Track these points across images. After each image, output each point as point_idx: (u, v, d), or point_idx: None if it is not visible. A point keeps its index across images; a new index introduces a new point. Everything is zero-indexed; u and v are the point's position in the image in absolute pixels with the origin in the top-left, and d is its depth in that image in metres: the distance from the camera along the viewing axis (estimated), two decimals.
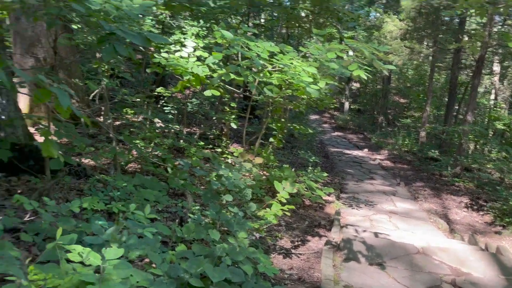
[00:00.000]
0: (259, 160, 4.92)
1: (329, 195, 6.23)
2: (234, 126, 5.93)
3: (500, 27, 12.32)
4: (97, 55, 6.02)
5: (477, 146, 12.50)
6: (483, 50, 9.40)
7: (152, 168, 5.03)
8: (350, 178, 9.00)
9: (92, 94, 6.35)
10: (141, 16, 3.31)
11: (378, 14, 18.33)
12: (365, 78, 4.13)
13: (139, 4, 3.26)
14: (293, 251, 3.63)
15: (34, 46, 5.59)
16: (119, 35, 2.90)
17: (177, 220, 3.44)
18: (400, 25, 11.85)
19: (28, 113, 5.76)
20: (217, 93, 4.90)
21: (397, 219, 5.74)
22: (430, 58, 13.56)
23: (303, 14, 11.24)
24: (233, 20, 9.34)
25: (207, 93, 4.90)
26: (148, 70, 5.35)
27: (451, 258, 3.64)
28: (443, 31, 11.77)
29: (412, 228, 5.28)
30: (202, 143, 6.29)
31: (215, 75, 4.75)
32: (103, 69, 5.53)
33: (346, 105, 21.40)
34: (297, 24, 10.48)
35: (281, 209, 3.09)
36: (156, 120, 8.23)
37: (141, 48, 5.67)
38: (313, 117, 21.96)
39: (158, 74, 6.88)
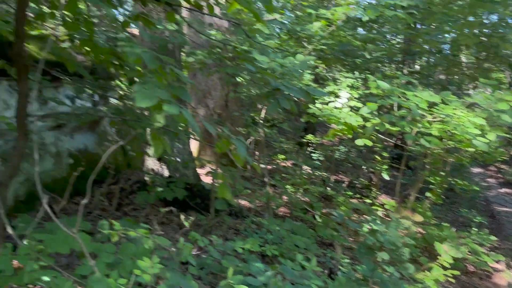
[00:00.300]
0: (418, 217, 4.60)
1: (497, 262, 5.39)
2: (386, 177, 5.71)
3: None
4: (258, 105, 6.60)
5: None
6: None
7: (301, 214, 5.15)
8: None
9: (249, 140, 6.93)
10: (301, 71, 3.55)
11: None
12: None
13: (300, 61, 3.52)
14: None
15: (206, 98, 6.45)
16: (283, 90, 3.16)
17: (326, 271, 3.42)
18: None
19: (196, 156, 6.57)
20: (369, 143, 4.84)
21: None
22: None
23: (464, 59, 10.48)
24: (386, 68, 9.23)
25: (359, 142, 4.87)
26: (302, 120, 5.62)
27: None
28: None
29: None
30: (350, 192, 6.20)
31: (368, 124, 4.72)
32: (262, 118, 6.02)
33: None
34: (457, 70, 9.80)
35: (444, 274, 2.80)
36: (304, 166, 8.47)
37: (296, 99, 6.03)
38: (475, 170, 19.61)
39: (308, 122, 7.16)
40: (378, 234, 2.63)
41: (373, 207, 5.85)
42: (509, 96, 4.48)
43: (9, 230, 1.70)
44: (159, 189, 3.97)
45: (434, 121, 4.32)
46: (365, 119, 4.77)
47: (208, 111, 6.31)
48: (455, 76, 10.54)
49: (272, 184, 5.82)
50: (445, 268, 2.91)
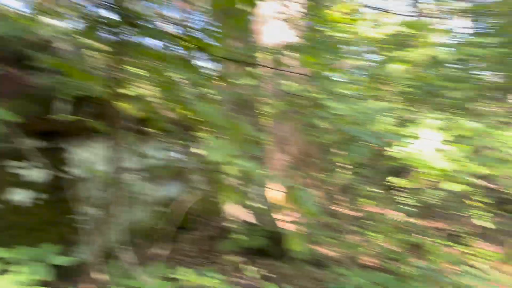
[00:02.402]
0: (506, 266, 4.06)
1: None
2: (485, 224, 5.16)
3: None
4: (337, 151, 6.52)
5: None
6: None
7: (388, 265, 4.82)
8: None
9: (334, 186, 6.79)
10: (377, 117, 3.50)
11: None
12: None
13: (374, 109, 3.48)
14: None
15: (284, 144, 6.52)
16: (358, 136, 3.13)
17: None
18: None
19: (281, 203, 6.59)
20: (465, 187, 4.49)
21: None
22: None
23: None
24: (479, 107, 8.58)
25: (452, 186, 4.54)
26: (384, 162, 5.42)
27: None
28: None
29: None
30: (443, 240, 5.69)
31: (462, 168, 4.39)
32: (343, 162, 5.93)
33: None
34: None
35: None
36: (393, 212, 8.02)
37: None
38: None
39: (397, 164, 6.83)
40: None
41: (469, 257, 5.29)
42: None
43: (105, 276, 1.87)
44: (241, 236, 4.05)
45: None
46: (457, 162, 4.45)
47: (286, 156, 6.37)
48: None
49: (358, 231, 5.59)
50: None
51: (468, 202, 5.97)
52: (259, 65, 3.34)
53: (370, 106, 3.55)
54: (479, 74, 6.51)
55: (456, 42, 4.63)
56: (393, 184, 7.52)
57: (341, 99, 3.45)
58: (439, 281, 3.43)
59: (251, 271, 3.83)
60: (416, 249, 5.86)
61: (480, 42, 4.43)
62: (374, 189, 7.22)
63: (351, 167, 6.28)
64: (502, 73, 6.78)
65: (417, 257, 5.19)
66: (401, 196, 7.38)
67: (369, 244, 5.28)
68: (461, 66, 5.67)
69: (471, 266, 5.19)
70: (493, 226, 6.64)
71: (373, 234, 5.65)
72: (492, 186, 5.28)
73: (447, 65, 5.23)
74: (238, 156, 1.77)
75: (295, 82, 5.00)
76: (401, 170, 9.80)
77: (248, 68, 3.37)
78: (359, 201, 7.25)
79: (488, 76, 7.79)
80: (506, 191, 5.19)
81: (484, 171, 4.28)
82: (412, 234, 6.05)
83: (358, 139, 3.22)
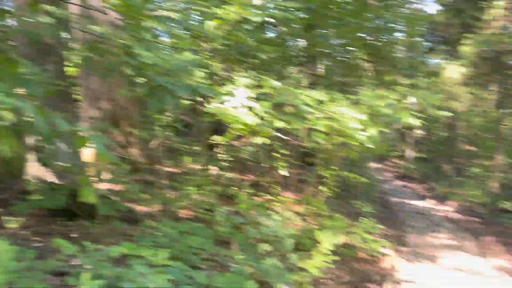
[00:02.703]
0: (300, 208, 4.80)
1: (386, 248, 5.87)
2: (284, 173, 5.89)
3: None
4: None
5: None
6: None
7: (203, 216, 5.08)
8: (411, 230, 8.45)
9: (152, 143, 6.69)
10: (189, 68, 3.49)
11: (438, 61, 17.88)
12: (416, 125, 3.98)
13: (188, 59, 3.47)
14: None
15: (99, 99, 6.08)
16: (168, 87, 3.07)
17: (220, 269, 3.39)
18: (461, 71, 11.43)
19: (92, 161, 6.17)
20: (267, 141, 4.96)
21: (463, 277, 5.23)
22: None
23: (362, 63, 11.26)
24: (286, 70, 9.58)
25: (258, 140, 4.98)
26: (200, 120, 5.58)
27: None
28: (508, 75, 11.15)
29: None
30: (252, 190, 6.29)
31: (265, 123, 4.83)
32: (159, 118, 5.85)
33: (410, 153, 20.53)
34: (353, 73, 10.51)
35: (324, 261, 2.93)
36: (212, 167, 8.42)
37: (197, 98, 5.97)
38: (375, 165, 21.29)
39: (216, 123, 7.14)
40: (262, 227, 2.66)
41: (275, 204, 6.00)
42: (388, 93, 4.90)
43: None
44: (40, 197, 3.64)
45: (322, 118, 4.54)
46: (262, 119, 4.87)
47: (101, 113, 5.95)
48: (354, 79, 11.31)
49: (173, 187, 5.68)
50: (326, 256, 3.06)
51: (274, 155, 6.70)
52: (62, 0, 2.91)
53: (183, 59, 3.51)
54: (286, 39, 7.25)
55: (266, 4, 4.96)
56: (212, 141, 7.87)
57: (152, 48, 3.31)
58: (238, 222, 3.77)
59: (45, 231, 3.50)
60: (229, 199, 6.34)
61: (287, 7, 4.84)
62: (193, 146, 7.42)
63: (170, 123, 6.25)
64: (305, 40, 7.66)
65: (228, 206, 5.62)
66: (218, 153, 7.79)
67: (185, 198, 5.44)
68: (271, 29, 6.18)
69: (273, 210, 5.89)
70: (292, 175, 7.68)
71: (190, 188, 5.84)
72: (292, 140, 6.02)
73: (258, 26, 5.62)
74: (12, 96, 1.50)
75: (105, 26, 4.59)
76: (220, 127, 10.30)
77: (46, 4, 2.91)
78: (179, 158, 7.36)
79: (294, 41, 8.70)
80: (305, 144, 5.97)
81: (286, 126, 4.79)
82: (226, 186, 6.51)
83: (169, 91, 3.16)
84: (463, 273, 5.47)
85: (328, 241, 3.08)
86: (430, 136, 21.17)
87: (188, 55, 3.46)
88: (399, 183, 17.05)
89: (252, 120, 4.77)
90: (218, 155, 7.83)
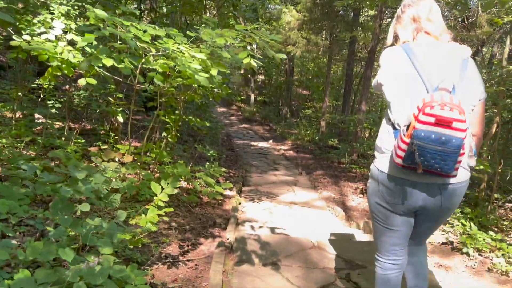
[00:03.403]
0: (128, 158, 4.41)
1: (230, 189, 5.96)
2: (120, 119, 5.31)
3: (389, 19, 13.12)
4: None
5: (371, 133, 13.27)
6: (374, 42, 9.86)
7: (16, 173, 4.25)
8: (254, 170, 8.86)
9: None
10: None
11: (277, 6, 18.55)
12: (255, 65, 3.87)
13: None
14: (181, 258, 3.23)
15: None
16: None
17: (36, 236, 2.84)
18: (298, 16, 12.00)
19: None
20: (93, 82, 4.28)
21: (297, 210, 5.67)
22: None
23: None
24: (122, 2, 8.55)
25: (82, 82, 4.25)
26: (8, 57, 4.52)
27: (346, 250, 3.54)
28: (338, 22, 12.19)
29: (310, 219, 5.23)
30: (82, 140, 5.57)
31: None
32: None
33: (252, 97, 21.47)
34: (194, 12, 9.99)
35: (158, 215, 2.67)
36: (37, 115, 7.22)
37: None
38: (220, 109, 21.73)
39: (41, 64, 5.95)
40: (80, 183, 2.21)
41: (111, 153, 5.43)
42: (228, 32, 4.66)
43: None
44: None
45: (159, 56, 4.09)
46: (85, 54, 4.13)
47: None
48: (194, 18, 10.84)
49: None
50: (161, 208, 2.80)
51: (109, 99, 5.99)
52: None
53: None
54: None
55: None
56: (36, 85, 6.65)
57: None
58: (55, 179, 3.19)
59: None
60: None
61: None
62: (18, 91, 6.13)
63: None
64: None
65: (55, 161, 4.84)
66: (47, 98, 6.68)
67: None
68: None
69: (109, 161, 5.33)
70: (133, 122, 7.07)
71: (3, 140, 4.85)
72: (129, 82, 5.39)
73: None
74: None
75: None
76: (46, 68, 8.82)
77: None
78: None
79: None
80: (144, 87, 5.44)
81: (117, 65, 4.18)
82: (52, 137, 5.62)
83: None
84: (298, 206, 5.94)
85: (165, 191, 2.79)
86: (271, 81, 22.45)
87: None
88: (244, 125, 17.79)
89: (74, 57, 4.02)
90: (47, 101, 6.72)
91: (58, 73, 4.49)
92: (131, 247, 2.60)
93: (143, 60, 4.13)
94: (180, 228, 3.95)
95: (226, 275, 2.90)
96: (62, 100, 7.27)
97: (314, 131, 14.39)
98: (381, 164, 2.00)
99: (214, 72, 4.36)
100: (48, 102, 6.89)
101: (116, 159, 4.78)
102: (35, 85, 6.58)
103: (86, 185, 2.20)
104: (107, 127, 7.15)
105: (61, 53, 4.11)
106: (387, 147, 1.98)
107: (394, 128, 1.95)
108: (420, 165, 1.73)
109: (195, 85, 4.62)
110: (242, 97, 23.73)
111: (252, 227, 4.14)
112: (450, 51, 1.97)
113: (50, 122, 6.59)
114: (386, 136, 2.00)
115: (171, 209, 2.86)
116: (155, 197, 2.79)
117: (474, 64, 1.99)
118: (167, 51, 4.01)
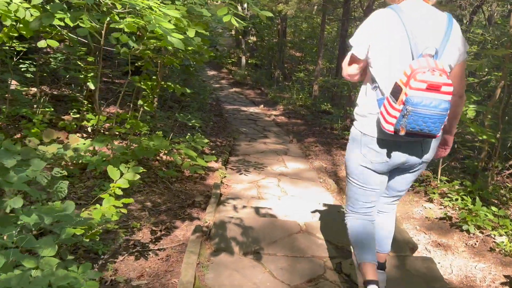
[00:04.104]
0: (74, 140, 3.95)
1: (216, 161, 5.56)
2: (91, 86, 4.81)
3: None
4: None
5: None
6: (370, 0, 9.23)
7: None
8: (243, 138, 8.46)
9: None
10: None
11: None
12: (237, 25, 3.36)
13: None
14: (151, 246, 2.86)
15: None
16: None
17: None
18: None
19: None
20: (56, 44, 3.77)
21: (286, 183, 5.32)
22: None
23: None
24: None
25: (41, 44, 3.73)
26: None
27: (337, 234, 3.19)
28: None
29: (300, 193, 4.89)
30: (51, 108, 5.07)
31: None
32: None
33: (243, 60, 20.68)
34: None
35: (115, 205, 2.26)
36: (13, 82, 6.65)
37: None
38: (211, 72, 20.97)
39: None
40: (11, 173, 1.79)
41: (53, 133, 4.94)
42: None
43: None
44: None
45: (124, 14, 3.55)
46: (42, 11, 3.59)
47: None
48: None
49: None
50: (118, 198, 2.39)
51: (80, 64, 5.44)
52: None
53: None
54: None
55: None
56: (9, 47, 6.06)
57: None
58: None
59: None
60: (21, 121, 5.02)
61: None
62: None
63: None
64: None
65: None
66: (21, 62, 6.15)
67: None
68: None
69: (81, 132, 4.88)
70: (107, 89, 6.53)
71: None
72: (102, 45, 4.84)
73: None
74: None
75: None
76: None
77: None
78: None
79: None
80: (116, 50, 4.91)
81: (77, 23, 3.65)
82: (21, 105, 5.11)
83: None
84: (288, 178, 5.59)
85: (124, 176, 2.38)
86: (263, 42, 21.59)
87: None
88: (235, 89, 17.19)
89: (30, 15, 3.48)
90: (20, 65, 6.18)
91: (15, 34, 3.97)
92: (87, 240, 2.21)
93: (108, 18, 3.60)
94: (155, 208, 3.57)
95: (200, 269, 2.54)
96: (38, 63, 6.70)
97: (307, 95, 13.88)
98: (363, 126, 2.06)
99: (191, 33, 3.84)
100: (21, 66, 6.34)
101: (64, 139, 4.31)
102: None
103: (18, 174, 1.78)
104: (76, 94, 6.62)
105: (16, 11, 3.54)
106: (370, 111, 2.02)
107: (380, 94, 1.98)
108: (404, 129, 1.78)
109: (170, 48, 4.10)
110: (233, 60, 22.90)
111: (235, 207, 3.76)
112: (436, 12, 1.97)
113: (19, 88, 6.07)
114: (368, 101, 2.04)
115: (131, 200, 2.45)
116: (111, 185, 2.37)
117: (458, 25, 1.98)
118: (135, 8, 3.48)
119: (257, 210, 3.72)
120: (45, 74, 6.90)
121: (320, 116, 11.33)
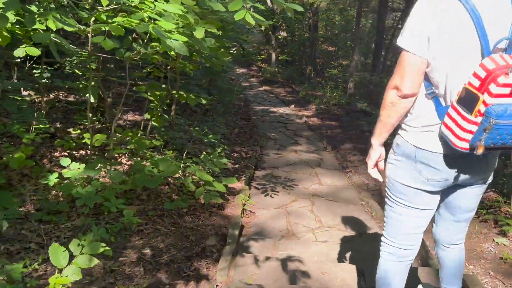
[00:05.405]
0: (66, 163, 3.16)
1: (239, 181, 4.76)
2: (91, 100, 4.10)
3: None
4: None
5: None
6: None
7: None
8: (271, 145, 7.64)
9: None
10: None
11: None
12: (253, 22, 2.53)
13: None
14: None
15: None
16: None
17: None
18: None
19: None
20: (37, 52, 3.06)
21: (321, 207, 4.47)
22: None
23: None
24: None
25: (18, 52, 3.05)
26: None
27: None
28: None
29: (339, 223, 4.03)
30: (46, 125, 4.40)
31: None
32: None
33: (273, 56, 19.75)
34: None
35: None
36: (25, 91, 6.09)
37: None
38: (240, 70, 20.20)
39: None
40: None
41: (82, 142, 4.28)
42: None
43: None
44: None
45: (109, 11, 2.80)
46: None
47: None
48: None
49: None
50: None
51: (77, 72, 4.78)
52: None
53: None
54: None
55: None
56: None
57: None
58: None
59: None
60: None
61: None
62: None
63: None
64: None
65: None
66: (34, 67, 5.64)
67: None
68: None
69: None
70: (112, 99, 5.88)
71: None
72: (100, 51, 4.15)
73: None
74: None
75: None
76: None
77: None
78: None
79: None
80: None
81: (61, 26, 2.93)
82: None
83: None
84: (322, 200, 4.74)
85: (74, 262, 1.59)
86: (294, 38, 20.59)
87: None
88: (264, 88, 16.34)
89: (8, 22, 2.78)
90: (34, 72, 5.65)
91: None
92: None
93: (93, 18, 2.86)
94: (154, 260, 2.81)
95: None
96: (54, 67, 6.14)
97: (341, 93, 12.84)
98: (417, 140, 1.69)
99: (199, 33, 3.05)
100: (35, 72, 5.79)
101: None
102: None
103: None
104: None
105: None
106: (427, 122, 1.65)
107: (438, 102, 1.60)
108: (482, 146, 1.42)
109: (173, 53, 3.32)
110: (263, 56, 22.03)
111: (256, 260, 2.91)
112: None
113: (30, 97, 5.53)
114: (424, 110, 1.65)
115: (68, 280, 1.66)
116: (51, 279, 1.59)
117: None
118: (125, 4, 2.72)
119: (284, 264, 2.87)
120: (51, 81, 6.30)
121: (357, 116, 10.34)
